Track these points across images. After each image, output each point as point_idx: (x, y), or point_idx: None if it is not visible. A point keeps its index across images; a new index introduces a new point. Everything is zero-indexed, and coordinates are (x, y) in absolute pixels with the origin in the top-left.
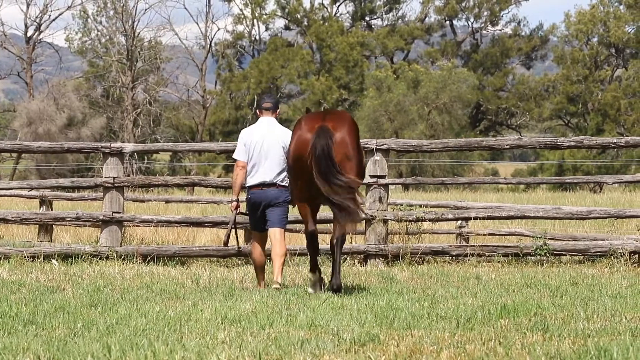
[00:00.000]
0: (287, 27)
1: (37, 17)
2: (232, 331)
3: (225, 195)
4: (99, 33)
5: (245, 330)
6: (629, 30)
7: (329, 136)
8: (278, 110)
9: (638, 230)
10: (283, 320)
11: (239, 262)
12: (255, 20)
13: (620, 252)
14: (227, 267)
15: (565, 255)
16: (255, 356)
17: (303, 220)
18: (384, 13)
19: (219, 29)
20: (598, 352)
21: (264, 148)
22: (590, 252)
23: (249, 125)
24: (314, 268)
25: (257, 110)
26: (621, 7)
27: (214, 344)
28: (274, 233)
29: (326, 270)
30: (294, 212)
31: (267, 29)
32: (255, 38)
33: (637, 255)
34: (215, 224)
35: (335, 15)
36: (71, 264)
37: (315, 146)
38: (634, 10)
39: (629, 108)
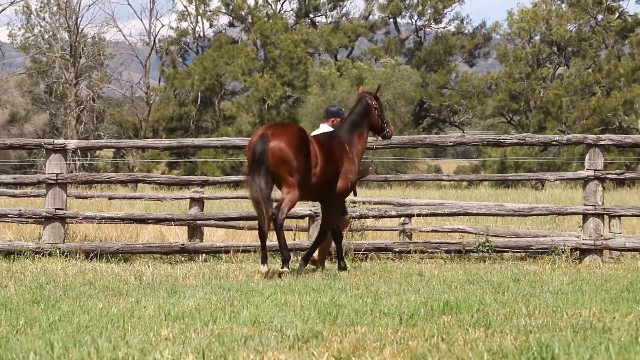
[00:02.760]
0: (231, 24)
1: None
2: (175, 328)
3: (168, 191)
4: (42, 29)
5: (189, 327)
6: (571, 29)
7: (266, 142)
8: (333, 119)
9: (579, 227)
10: (226, 317)
11: (182, 258)
12: (199, 17)
13: (562, 249)
14: (170, 263)
15: (507, 251)
16: (198, 353)
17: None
18: (328, 10)
19: (163, 26)
20: (540, 348)
21: None
22: (532, 249)
23: (193, 122)
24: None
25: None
26: (563, 5)
27: (157, 341)
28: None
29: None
30: (239, 209)
31: (211, 25)
32: (199, 35)
33: (578, 252)
34: (158, 221)
35: (279, 12)
36: (13, 261)
37: (254, 150)
38: (576, 8)
39: (570, 106)
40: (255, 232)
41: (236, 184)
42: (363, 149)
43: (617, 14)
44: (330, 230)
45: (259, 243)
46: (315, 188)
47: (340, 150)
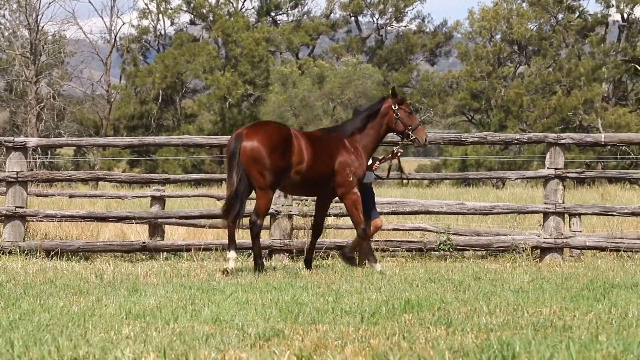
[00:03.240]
0: (192, 22)
1: None
2: (136, 326)
3: (129, 190)
4: (2, 26)
5: (150, 325)
6: (532, 28)
7: (239, 141)
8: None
9: (540, 226)
10: (188, 315)
11: (143, 257)
12: (160, 15)
13: (523, 247)
14: (131, 262)
15: (468, 250)
16: (159, 351)
17: None
18: (289, 9)
19: (124, 24)
20: (501, 346)
21: None
22: (493, 247)
23: (154, 120)
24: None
25: None
26: (524, 4)
27: (118, 339)
28: None
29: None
30: (200, 208)
31: (172, 23)
32: (160, 33)
33: (539, 250)
34: (119, 219)
35: (240, 10)
36: None
37: (228, 148)
38: (537, 7)
39: (531, 105)
40: (217, 230)
41: (197, 182)
42: (369, 146)
43: (577, 13)
44: (361, 229)
45: (220, 241)
46: (309, 183)
47: (337, 145)
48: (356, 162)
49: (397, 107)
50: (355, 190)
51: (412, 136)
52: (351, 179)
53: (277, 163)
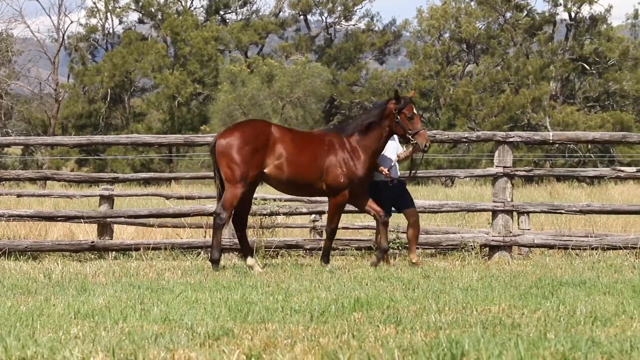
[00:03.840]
0: (141, 21)
1: None
2: (85, 326)
3: (78, 189)
4: None
5: (99, 325)
6: (480, 27)
7: (215, 139)
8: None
9: (488, 224)
10: (137, 315)
11: (92, 256)
12: (108, 14)
13: (472, 245)
14: (80, 261)
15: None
16: (108, 351)
17: None
18: (238, 7)
19: (72, 22)
20: (450, 344)
21: None
22: (442, 245)
23: (102, 119)
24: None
25: None
26: (472, 3)
27: (66, 339)
28: None
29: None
30: (148, 206)
31: (120, 22)
32: (108, 31)
33: (487, 248)
34: (68, 218)
35: (189, 9)
36: None
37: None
38: (485, 6)
39: (479, 103)
40: (166, 230)
41: (146, 181)
42: (371, 147)
43: (525, 12)
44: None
45: (169, 240)
46: (297, 182)
47: (329, 145)
48: (350, 162)
49: (397, 111)
50: (345, 192)
51: (412, 140)
52: (342, 179)
53: (245, 158)
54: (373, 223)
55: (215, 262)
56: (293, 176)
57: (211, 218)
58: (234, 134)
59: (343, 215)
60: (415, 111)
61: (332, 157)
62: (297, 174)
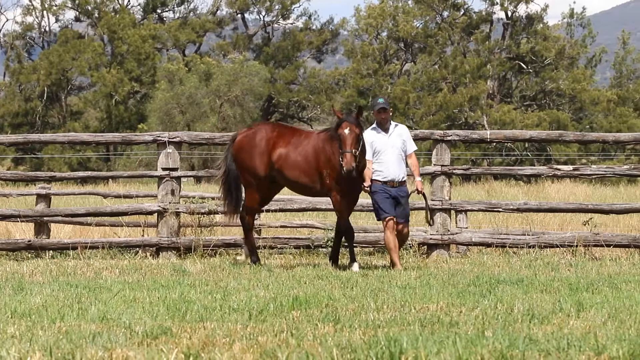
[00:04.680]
0: (77, 19)
1: None
2: (22, 325)
3: (14, 188)
4: None
5: (36, 324)
6: (417, 25)
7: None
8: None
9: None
10: (74, 314)
11: (29, 255)
12: (45, 12)
13: (409, 244)
14: (16, 260)
15: (356, 246)
16: (45, 350)
17: None
18: (175, 6)
19: (7, 20)
20: (388, 343)
21: None
22: (381, 244)
23: (39, 117)
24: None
25: None
26: (409, 2)
27: (3, 339)
28: None
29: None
30: (85, 205)
31: (57, 20)
32: (45, 29)
33: (425, 247)
34: (4, 217)
35: (126, 7)
36: None
37: None
38: (422, 5)
39: (417, 102)
40: (103, 228)
41: (83, 180)
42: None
43: (462, 11)
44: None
45: (106, 239)
46: (300, 183)
47: (323, 145)
48: (330, 168)
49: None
50: (334, 192)
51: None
52: (328, 181)
53: (244, 163)
54: (312, 221)
55: (255, 262)
56: (298, 178)
57: (149, 217)
58: (238, 139)
59: (281, 214)
60: (347, 131)
61: (324, 158)
62: (299, 176)
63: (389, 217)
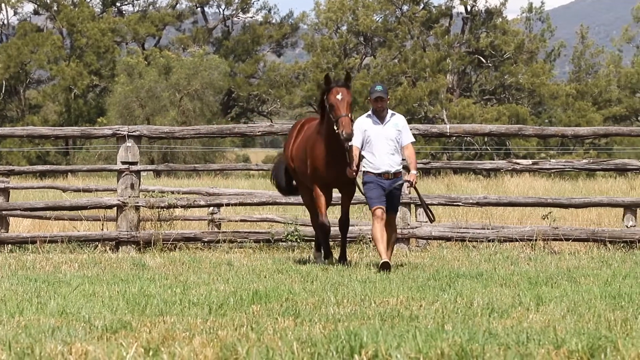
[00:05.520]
0: (36, 12)
1: None
2: None
3: None
4: None
5: None
6: (377, 19)
7: None
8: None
9: None
10: (33, 308)
11: None
12: (3, 4)
13: (369, 238)
14: None
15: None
16: (4, 345)
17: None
18: None
19: None
20: (348, 337)
21: None
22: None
23: None
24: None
25: None
26: None
27: None
28: None
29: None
30: (45, 199)
31: (15, 13)
32: (3, 22)
33: None
34: None
35: (85, 0)
36: None
37: None
38: None
39: None
40: (62, 222)
41: (43, 174)
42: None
43: (422, 5)
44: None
45: (65, 233)
46: (308, 176)
47: (317, 137)
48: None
49: (325, 96)
50: (315, 186)
51: (336, 129)
52: (309, 171)
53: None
54: (272, 215)
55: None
56: (305, 171)
57: (108, 211)
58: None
59: (241, 208)
60: (339, 96)
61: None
62: (303, 169)
63: (377, 207)
